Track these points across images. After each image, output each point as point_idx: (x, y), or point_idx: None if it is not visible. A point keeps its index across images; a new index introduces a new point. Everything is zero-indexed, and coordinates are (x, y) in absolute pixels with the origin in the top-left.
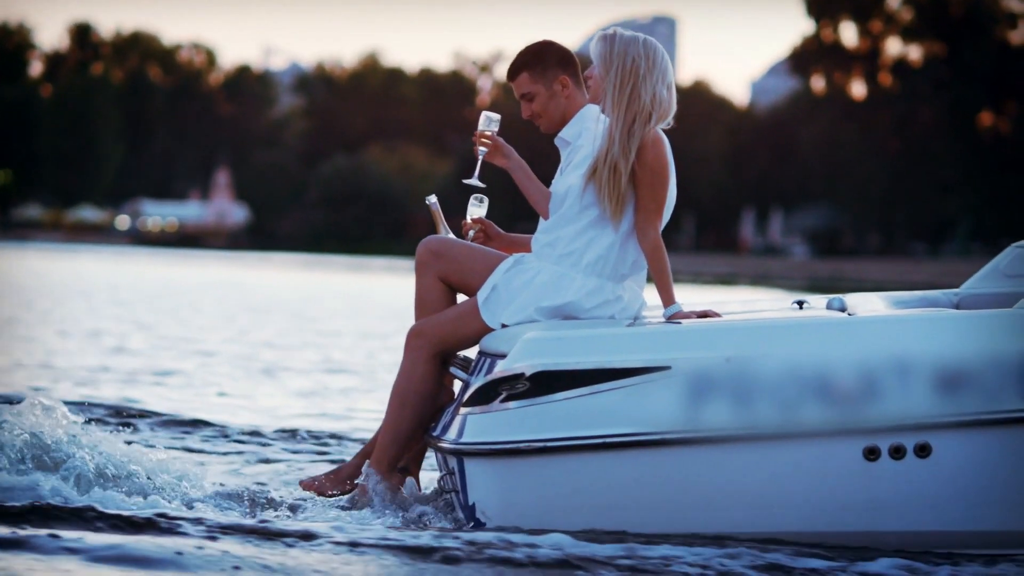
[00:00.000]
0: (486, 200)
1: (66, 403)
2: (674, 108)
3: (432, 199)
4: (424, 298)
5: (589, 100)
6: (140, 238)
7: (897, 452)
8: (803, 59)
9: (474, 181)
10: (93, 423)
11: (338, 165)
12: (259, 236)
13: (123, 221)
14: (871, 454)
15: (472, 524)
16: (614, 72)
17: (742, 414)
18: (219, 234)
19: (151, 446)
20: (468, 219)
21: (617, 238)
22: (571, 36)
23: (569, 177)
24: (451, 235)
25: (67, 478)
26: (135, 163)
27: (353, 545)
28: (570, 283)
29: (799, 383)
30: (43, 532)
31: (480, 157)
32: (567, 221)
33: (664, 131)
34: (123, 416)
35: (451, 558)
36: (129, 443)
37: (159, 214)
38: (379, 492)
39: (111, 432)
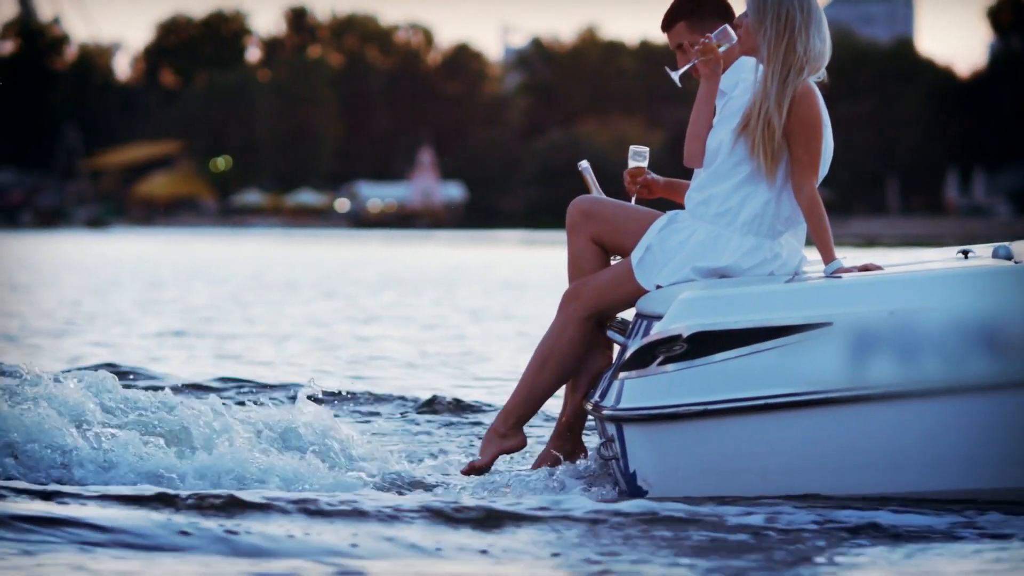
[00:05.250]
0: (647, 151)
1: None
2: (827, 59)
3: (584, 164)
4: (577, 260)
5: (740, 50)
6: (359, 220)
7: None
8: (1000, 17)
9: (675, 76)
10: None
11: (553, 140)
12: (477, 214)
13: (342, 204)
14: None
15: (633, 492)
16: (769, 22)
17: (907, 370)
18: (433, 214)
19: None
20: (628, 168)
21: (772, 194)
22: None
23: (721, 131)
24: (603, 196)
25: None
26: (354, 146)
27: (511, 516)
28: (726, 243)
29: (965, 335)
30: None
31: (694, 61)
32: (720, 178)
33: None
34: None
35: (611, 527)
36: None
37: (376, 196)
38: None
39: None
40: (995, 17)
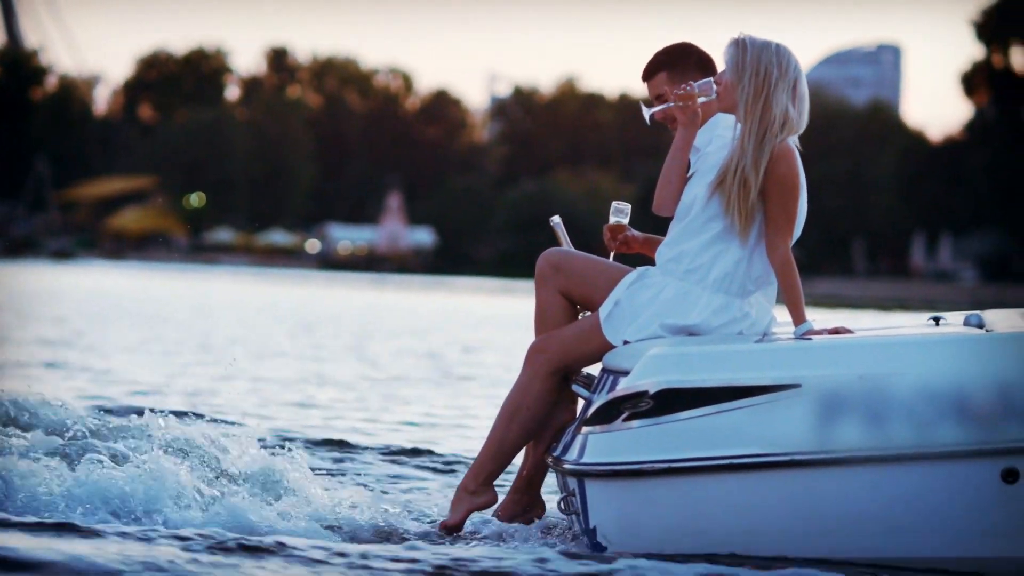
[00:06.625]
0: (628, 208)
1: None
2: (806, 119)
3: (556, 219)
4: (545, 313)
5: (718, 107)
6: (328, 262)
7: None
8: (973, 84)
9: (647, 112)
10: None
11: (526, 190)
12: (446, 260)
13: (313, 245)
14: (1010, 476)
15: (593, 548)
16: (748, 80)
17: (875, 434)
18: (400, 258)
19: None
20: (609, 224)
21: (744, 253)
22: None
23: (695, 187)
24: (572, 249)
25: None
26: (328, 187)
27: (466, 571)
28: (696, 300)
29: (934, 402)
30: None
31: (671, 104)
32: (692, 234)
33: (801, 150)
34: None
35: None
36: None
37: (347, 238)
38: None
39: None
40: (968, 84)
